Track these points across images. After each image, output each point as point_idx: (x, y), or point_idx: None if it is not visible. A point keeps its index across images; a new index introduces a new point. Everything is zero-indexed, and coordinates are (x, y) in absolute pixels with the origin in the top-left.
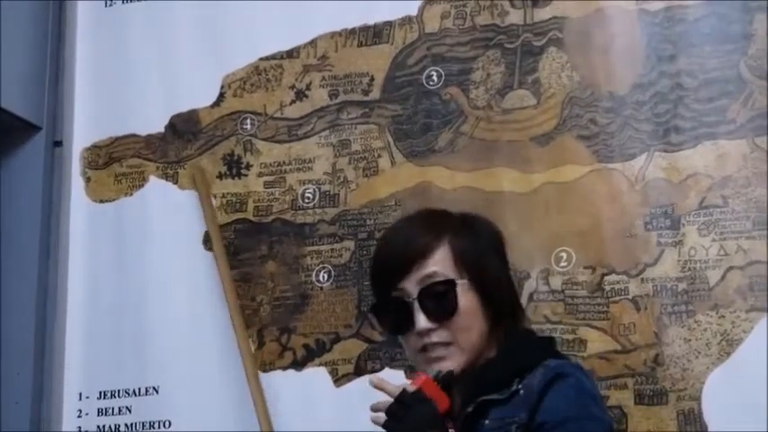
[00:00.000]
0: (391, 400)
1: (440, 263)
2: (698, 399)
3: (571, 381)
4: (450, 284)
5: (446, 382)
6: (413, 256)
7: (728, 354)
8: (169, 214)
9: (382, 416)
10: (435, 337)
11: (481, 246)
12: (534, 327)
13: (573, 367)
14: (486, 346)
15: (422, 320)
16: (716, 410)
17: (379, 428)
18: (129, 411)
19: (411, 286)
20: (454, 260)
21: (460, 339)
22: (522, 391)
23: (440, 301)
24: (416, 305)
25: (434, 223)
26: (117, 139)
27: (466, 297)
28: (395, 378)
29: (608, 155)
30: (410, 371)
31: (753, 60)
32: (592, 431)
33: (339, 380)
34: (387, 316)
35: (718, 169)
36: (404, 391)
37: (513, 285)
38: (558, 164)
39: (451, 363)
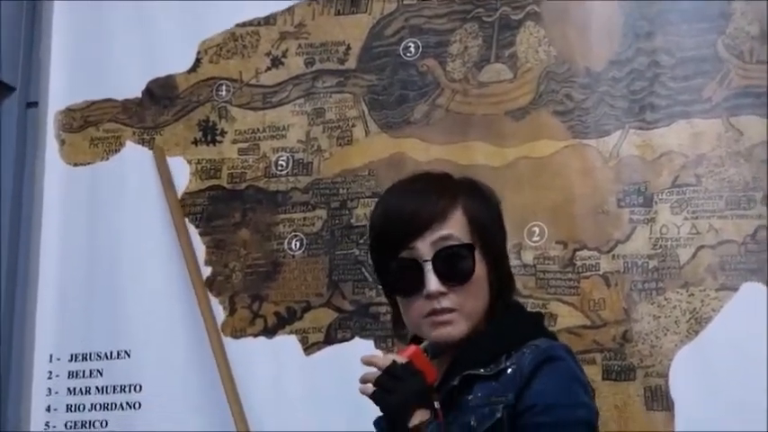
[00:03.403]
0: (378, 373)
1: (455, 226)
2: (665, 376)
3: (562, 365)
4: (468, 249)
5: (435, 353)
6: (429, 216)
7: (697, 332)
8: (145, 179)
9: (371, 387)
10: (445, 302)
11: (491, 213)
12: None
13: (563, 350)
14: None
15: (434, 283)
16: (683, 388)
17: (366, 399)
18: (101, 374)
19: (425, 247)
20: (468, 225)
21: (468, 306)
22: (510, 370)
23: (455, 264)
24: (429, 267)
25: (448, 186)
26: (93, 103)
27: (479, 264)
28: (364, 348)
29: (583, 131)
30: (381, 341)
31: (730, 39)
32: (579, 418)
33: (309, 348)
34: (393, 276)
35: (693, 148)
36: (393, 363)
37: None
38: (532, 139)
39: (457, 329)
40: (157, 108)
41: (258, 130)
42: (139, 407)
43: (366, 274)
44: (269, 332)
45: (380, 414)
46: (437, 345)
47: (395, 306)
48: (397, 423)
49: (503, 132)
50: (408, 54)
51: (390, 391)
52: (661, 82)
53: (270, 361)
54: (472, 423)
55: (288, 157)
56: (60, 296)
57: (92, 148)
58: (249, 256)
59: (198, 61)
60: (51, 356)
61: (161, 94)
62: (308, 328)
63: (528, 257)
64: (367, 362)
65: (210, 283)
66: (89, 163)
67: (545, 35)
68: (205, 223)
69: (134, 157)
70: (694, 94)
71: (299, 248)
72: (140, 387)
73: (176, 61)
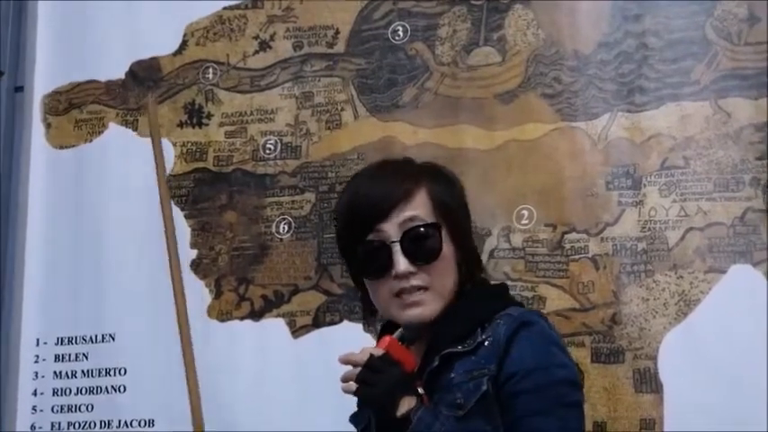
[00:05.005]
0: (357, 370)
1: (420, 207)
2: (654, 358)
3: (536, 329)
4: (434, 228)
5: (411, 340)
6: (394, 199)
7: (686, 314)
8: (128, 161)
9: (353, 384)
10: (414, 281)
11: (454, 195)
12: None
13: (535, 315)
14: (454, 296)
15: (402, 263)
16: (671, 370)
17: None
18: (86, 358)
19: (391, 229)
20: (433, 206)
21: (438, 284)
22: (487, 342)
23: (423, 243)
24: (397, 248)
25: (411, 170)
26: (77, 84)
27: (446, 243)
28: (353, 331)
29: (571, 114)
30: (367, 325)
31: (718, 21)
32: (560, 378)
33: (297, 331)
34: (362, 259)
35: (681, 130)
36: (371, 357)
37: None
38: (521, 122)
39: (427, 309)
40: (141, 90)
41: (246, 113)
42: (124, 390)
43: None
44: (256, 315)
45: (355, 411)
46: (410, 328)
47: (365, 292)
48: (384, 415)
49: (491, 115)
50: (397, 38)
51: (373, 384)
52: (649, 64)
53: (257, 344)
54: (458, 400)
55: (276, 141)
56: (46, 280)
57: (76, 131)
58: (236, 238)
59: (184, 44)
60: (38, 340)
61: (145, 75)
62: (296, 311)
63: (517, 240)
64: (344, 361)
65: (196, 266)
66: (73, 145)
67: (533, 18)
68: (191, 206)
69: (117, 138)
70: (683, 76)
71: (287, 232)
72: (125, 370)
73: (161, 43)
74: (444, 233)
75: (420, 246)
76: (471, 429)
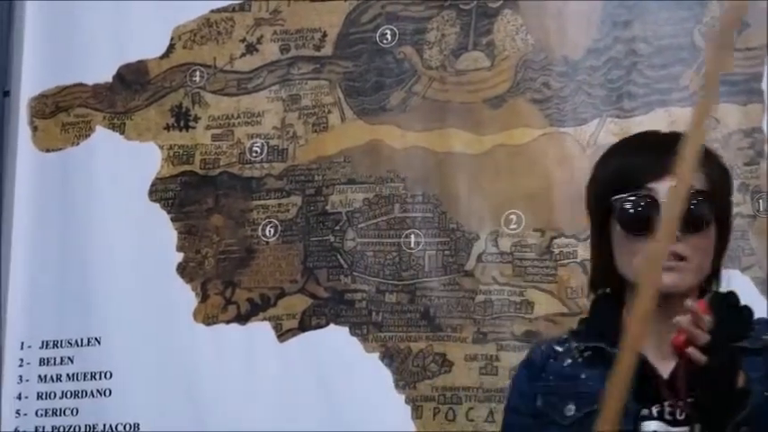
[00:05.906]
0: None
1: (696, 181)
2: None
3: None
4: (708, 199)
5: None
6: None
7: None
8: (115, 165)
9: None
10: (675, 247)
11: (728, 185)
12: (482, 288)
13: None
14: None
15: None
16: None
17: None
18: (72, 362)
19: (663, 190)
20: (708, 187)
21: (696, 260)
22: None
23: (694, 212)
24: None
25: None
26: (64, 88)
27: (712, 224)
28: (339, 334)
29: (560, 119)
30: (356, 327)
31: (707, 28)
32: None
33: (283, 335)
34: (626, 211)
35: None
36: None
37: None
38: (510, 126)
39: (683, 278)
40: (128, 93)
41: (232, 116)
42: (110, 394)
43: (341, 260)
44: (241, 319)
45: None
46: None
47: (604, 253)
48: (726, 386)
49: (480, 120)
50: (385, 41)
51: (726, 353)
52: (638, 70)
53: (243, 348)
54: None
55: (262, 144)
56: (32, 283)
57: (63, 134)
58: (222, 242)
59: (171, 47)
60: (23, 344)
61: (132, 79)
62: (282, 314)
63: (505, 245)
64: (697, 309)
65: (182, 270)
66: (60, 149)
67: (522, 23)
68: (177, 209)
69: (104, 142)
70: (672, 82)
71: (274, 235)
72: (110, 374)
73: (149, 47)
74: (714, 218)
75: (690, 213)
76: None
